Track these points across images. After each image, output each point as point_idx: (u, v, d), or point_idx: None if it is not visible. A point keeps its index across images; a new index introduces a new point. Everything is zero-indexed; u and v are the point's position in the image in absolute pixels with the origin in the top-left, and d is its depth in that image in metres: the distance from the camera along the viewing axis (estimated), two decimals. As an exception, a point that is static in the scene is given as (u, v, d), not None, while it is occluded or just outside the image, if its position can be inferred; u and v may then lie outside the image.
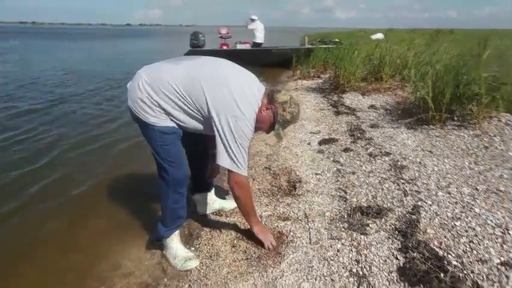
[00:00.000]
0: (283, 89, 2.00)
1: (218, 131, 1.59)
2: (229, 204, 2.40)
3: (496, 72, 3.17)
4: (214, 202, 2.39)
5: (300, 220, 2.15)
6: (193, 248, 2.02)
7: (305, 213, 2.23)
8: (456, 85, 3.23)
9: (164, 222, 1.86)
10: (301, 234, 2.00)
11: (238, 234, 2.07)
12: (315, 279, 1.63)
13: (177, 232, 1.94)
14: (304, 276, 1.65)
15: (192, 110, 1.63)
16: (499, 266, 1.52)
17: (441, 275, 1.50)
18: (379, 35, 13.62)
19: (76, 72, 9.38)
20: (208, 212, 2.36)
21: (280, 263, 1.77)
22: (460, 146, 2.94)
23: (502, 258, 1.57)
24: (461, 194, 2.16)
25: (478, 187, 2.22)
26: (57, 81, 8.09)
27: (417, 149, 3.00)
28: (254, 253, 1.89)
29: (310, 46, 10.72)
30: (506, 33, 10.66)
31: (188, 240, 2.10)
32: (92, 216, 2.47)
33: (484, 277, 1.48)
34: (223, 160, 1.62)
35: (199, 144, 1.99)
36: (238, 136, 1.58)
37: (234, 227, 2.16)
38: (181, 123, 1.68)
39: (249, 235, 2.02)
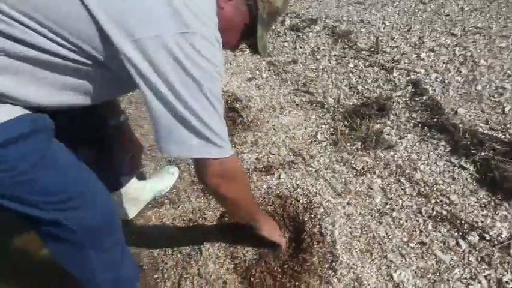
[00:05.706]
0: None
1: (153, 86, 0.64)
2: (165, 181, 1.45)
3: None
4: (142, 191, 1.37)
5: (293, 163, 1.43)
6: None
7: (290, 148, 1.50)
8: None
9: None
10: (314, 187, 1.31)
11: (229, 236, 1.21)
12: (405, 256, 1.05)
13: None
14: (388, 260, 1.06)
15: (68, 60, 0.59)
16: None
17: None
18: None
19: None
20: (136, 213, 1.36)
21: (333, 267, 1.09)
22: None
23: None
24: (446, 48, 1.75)
25: (454, 31, 1.84)
26: None
27: (341, 3, 2.39)
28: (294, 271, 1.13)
29: None
30: None
31: None
32: None
33: None
34: (179, 148, 0.69)
35: (91, 120, 0.90)
36: (205, 79, 0.65)
37: (207, 226, 1.29)
38: (42, 100, 0.60)
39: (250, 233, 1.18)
